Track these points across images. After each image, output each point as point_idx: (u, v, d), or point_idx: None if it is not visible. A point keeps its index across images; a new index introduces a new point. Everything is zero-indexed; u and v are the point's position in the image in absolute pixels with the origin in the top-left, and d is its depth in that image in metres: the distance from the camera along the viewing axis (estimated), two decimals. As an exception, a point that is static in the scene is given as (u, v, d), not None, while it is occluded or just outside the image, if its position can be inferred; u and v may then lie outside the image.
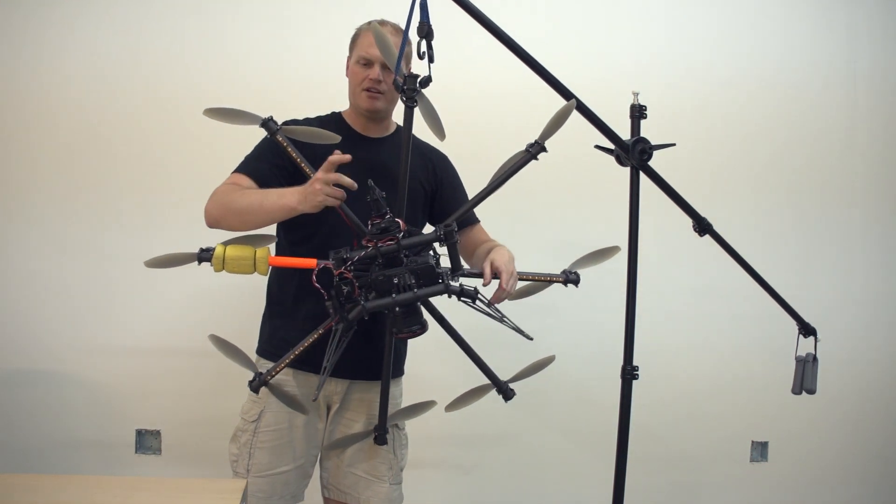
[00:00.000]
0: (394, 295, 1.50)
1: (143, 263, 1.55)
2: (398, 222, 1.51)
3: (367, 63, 1.75)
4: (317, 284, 1.52)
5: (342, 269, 1.50)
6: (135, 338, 2.49)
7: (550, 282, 1.80)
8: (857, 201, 2.82)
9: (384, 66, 1.74)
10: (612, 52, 2.66)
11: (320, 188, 1.49)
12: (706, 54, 2.72)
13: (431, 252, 1.60)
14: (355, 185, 1.51)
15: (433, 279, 1.52)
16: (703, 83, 2.72)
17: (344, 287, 1.51)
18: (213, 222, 1.67)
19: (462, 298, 1.63)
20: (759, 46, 2.75)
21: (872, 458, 2.86)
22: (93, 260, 2.46)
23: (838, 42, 2.80)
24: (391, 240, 1.50)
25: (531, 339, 1.67)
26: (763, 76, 2.75)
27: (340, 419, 1.84)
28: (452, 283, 1.56)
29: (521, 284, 1.83)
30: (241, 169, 1.74)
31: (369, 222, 1.52)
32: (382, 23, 1.76)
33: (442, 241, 1.54)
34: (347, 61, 1.83)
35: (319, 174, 1.51)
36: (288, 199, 1.55)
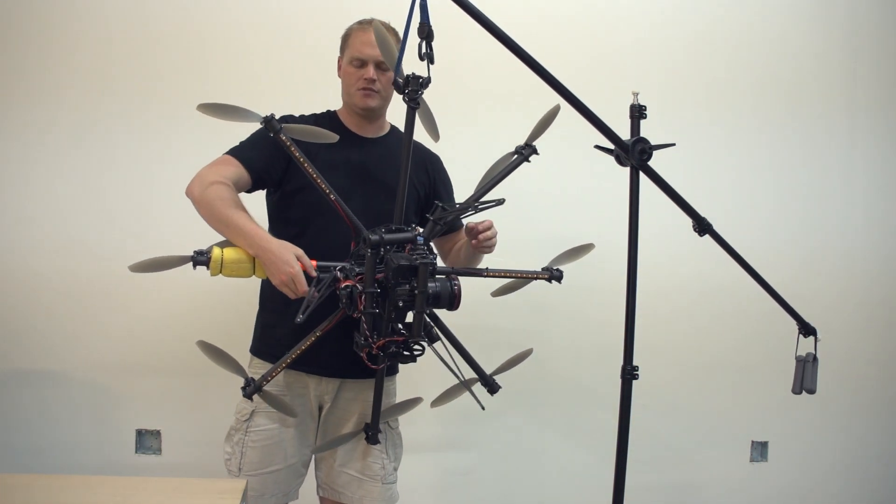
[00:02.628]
0: (413, 311, 1.54)
1: (128, 268, 1.52)
2: (349, 285, 1.52)
3: (362, 63, 1.74)
4: (377, 366, 1.58)
5: (376, 344, 1.53)
6: (135, 338, 2.48)
7: (536, 278, 1.82)
8: (857, 201, 2.82)
9: (378, 66, 1.74)
10: (612, 51, 2.65)
11: (286, 279, 1.51)
12: (706, 52, 2.73)
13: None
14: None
15: (412, 268, 1.53)
16: (704, 81, 2.72)
17: (397, 349, 1.55)
18: (190, 198, 1.63)
19: (440, 224, 1.65)
20: (760, 43, 2.76)
21: (872, 458, 2.86)
22: (92, 260, 2.46)
23: (840, 43, 2.80)
24: (361, 296, 1.51)
25: (503, 201, 1.67)
26: (764, 73, 2.75)
27: (332, 418, 1.85)
28: (419, 248, 1.57)
29: (505, 281, 1.85)
30: (234, 153, 1.72)
31: (337, 290, 1.54)
32: (368, 23, 1.75)
33: (368, 246, 1.54)
34: (339, 61, 1.83)
35: (296, 263, 1.51)
36: (249, 243, 1.54)
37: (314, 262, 1.57)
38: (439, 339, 1.67)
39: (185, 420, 2.50)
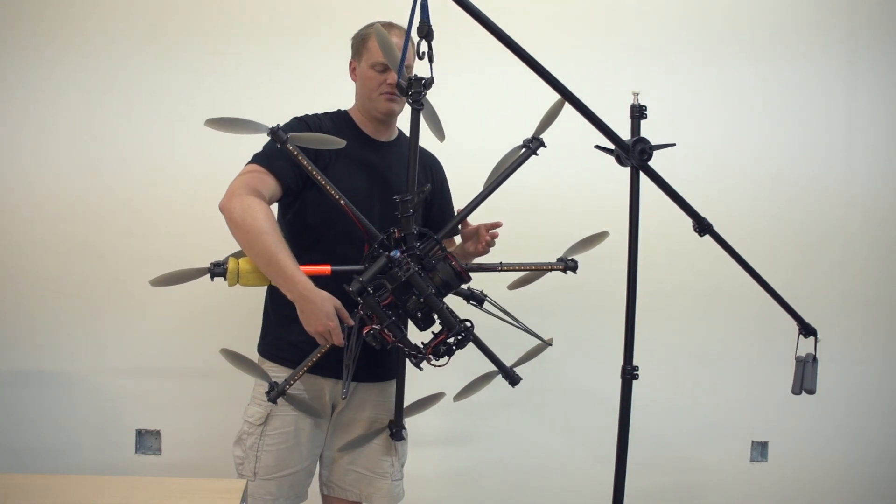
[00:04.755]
0: (435, 315, 1.60)
1: (149, 283, 1.55)
2: (368, 331, 1.56)
3: (385, 68, 1.72)
4: (442, 365, 1.62)
5: (427, 353, 1.60)
6: (135, 338, 2.48)
7: (550, 269, 1.83)
8: (857, 202, 2.82)
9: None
10: (612, 50, 2.66)
11: (323, 331, 1.55)
12: (707, 53, 2.73)
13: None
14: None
15: (407, 284, 1.57)
16: (704, 82, 2.73)
17: (447, 345, 1.61)
18: (225, 215, 1.58)
19: (408, 215, 1.64)
20: (761, 45, 2.76)
21: (872, 459, 2.86)
22: (93, 260, 2.46)
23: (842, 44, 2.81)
24: (385, 334, 1.56)
25: (429, 186, 1.72)
26: (763, 68, 2.75)
27: (343, 418, 1.85)
28: (399, 261, 1.59)
29: (520, 274, 1.85)
30: (265, 164, 1.65)
31: (365, 338, 1.58)
32: (389, 25, 1.73)
33: (353, 297, 1.57)
34: (353, 64, 1.81)
35: (335, 318, 1.55)
36: (290, 288, 1.55)
37: (329, 268, 1.59)
38: (486, 297, 1.72)
39: (185, 420, 2.50)
